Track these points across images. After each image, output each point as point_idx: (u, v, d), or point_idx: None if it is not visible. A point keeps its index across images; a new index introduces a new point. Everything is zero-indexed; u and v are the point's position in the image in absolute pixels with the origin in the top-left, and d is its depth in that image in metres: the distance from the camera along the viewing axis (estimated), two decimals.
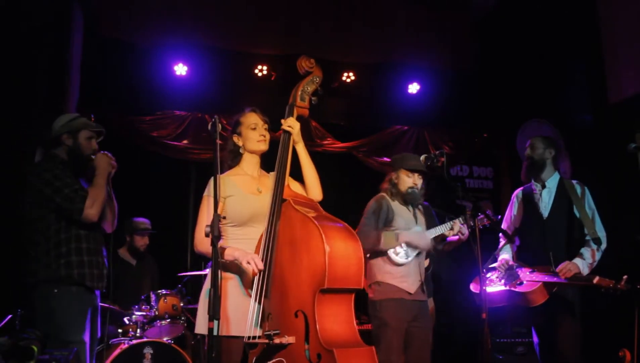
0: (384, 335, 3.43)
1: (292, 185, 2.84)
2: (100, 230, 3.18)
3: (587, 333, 3.61)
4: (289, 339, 2.42)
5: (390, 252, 3.48)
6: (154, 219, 5.24)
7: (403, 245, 3.46)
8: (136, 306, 4.29)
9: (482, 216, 3.84)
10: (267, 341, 2.43)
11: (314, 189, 2.87)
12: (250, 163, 2.92)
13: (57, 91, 4.64)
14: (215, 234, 2.35)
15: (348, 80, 6.40)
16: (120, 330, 4.25)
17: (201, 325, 2.73)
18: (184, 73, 5.93)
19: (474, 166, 7.05)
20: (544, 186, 3.77)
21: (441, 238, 4.24)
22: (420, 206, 3.71)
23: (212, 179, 2.79)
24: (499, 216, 4.05)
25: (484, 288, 3.26)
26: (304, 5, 5.72)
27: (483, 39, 6.35)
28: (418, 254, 3.54)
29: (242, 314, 2.62)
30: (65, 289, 2.96)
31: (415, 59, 6.39)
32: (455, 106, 6.57)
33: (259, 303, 2.55)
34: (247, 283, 2.69)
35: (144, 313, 4.24)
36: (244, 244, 2.71)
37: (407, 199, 3.60)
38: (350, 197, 3.85)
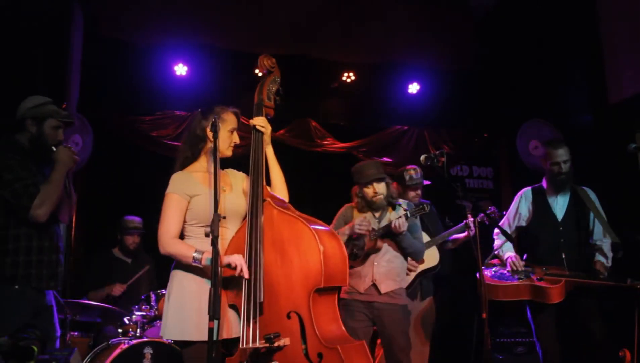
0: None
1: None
2: (56, 225, 3.01)
3: (587, 333, 3.61)
4: (285, 341, 2.41)
5: None
6: (154, 219, 5.22)
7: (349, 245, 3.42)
8: (136, 307, 4.28)
9: (482, 215, 3.84)
10: (267, 345, 2.40)
11: (282, 192, 2.81)
12: (211, 160, 2.72)
13: (57, 91, 4.63)
14: (215, 234, 2.32)
15: (348, 80, 6.40)
16: (120, 330, 4.24)
17: (171, 330, 2.59)
18: (184, 73, 5.92)
19: (474, 166, 7.04)
20: (562, 190, 3.78)
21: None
22: (395, 204, 3.64)
23: (174, 175, 2.69)
24: (504, 212, 4.05)
25: (482, 288, 3.27)
26: (304, 5, 5.72)
27: (483, 39, 6.35)
28: (370, 254, 3.49)
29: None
30: (6, 288, 2.82)
31: (415, 59, 6.39)
32: (455, 106, 6.57)
33: (253, 307, 2.48)
34: (228, 288, 2.60)
35: (144, 313, 4.24)
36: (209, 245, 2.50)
37: (375, 207, 3.59)
38: (350, 197, 3.87)
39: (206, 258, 2.50)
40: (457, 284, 5.14)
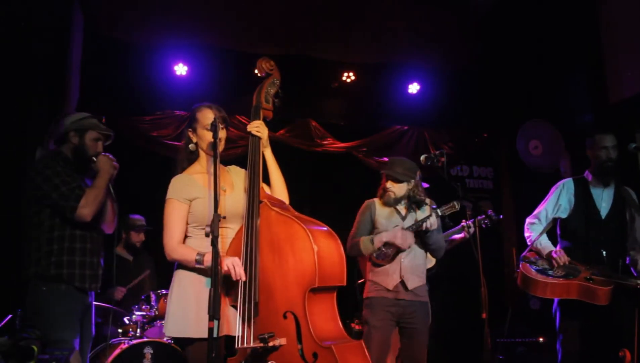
0: (365, 331, 3.51)
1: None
2: (98, 230, 3.16)
3: (587, 333, 3.61)
4: (281, 341, 2.42)
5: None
6: (155, 219, 5.19)
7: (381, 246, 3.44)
8: (136, 307, 4.29)
9: (482, 216, 3.83)
10: (261, 345, 2.41)
11: (282, 194, 2.80)
12: (209, 161, 2.76)
13: (57, 91, 4.64)
14: (215, 234, 2.34)
15: (348, 80, 6.40)
16: (120, 330, 4.25)
17: (171, 328, 2.64)
18: (184, 73, 5.92)
19: (474, 166, 7.05)
20: (606, 185, 3.70)
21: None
22: (422, 203, 3.64)
23: (173, 180, 2.72)
24: (501, 216, 4.02)
25: (483, 288, 3.25)
26: (304, 5, 5.72)
27: (483, 39, 6.35)
28: (399, 251, 3.49)
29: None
30: (53, 287, 2.94)
31: (415, 59, 6.39)
32: (455, 106, 6.57)
33: (249, 307, 2.49)
34: (228, 288, 2.61)
35: (144, 313, 4.25)
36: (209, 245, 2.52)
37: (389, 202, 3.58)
38: (350, 197, 3.87)
39: (207, 260, 2.53)
40: (457, 285, 5.14)
